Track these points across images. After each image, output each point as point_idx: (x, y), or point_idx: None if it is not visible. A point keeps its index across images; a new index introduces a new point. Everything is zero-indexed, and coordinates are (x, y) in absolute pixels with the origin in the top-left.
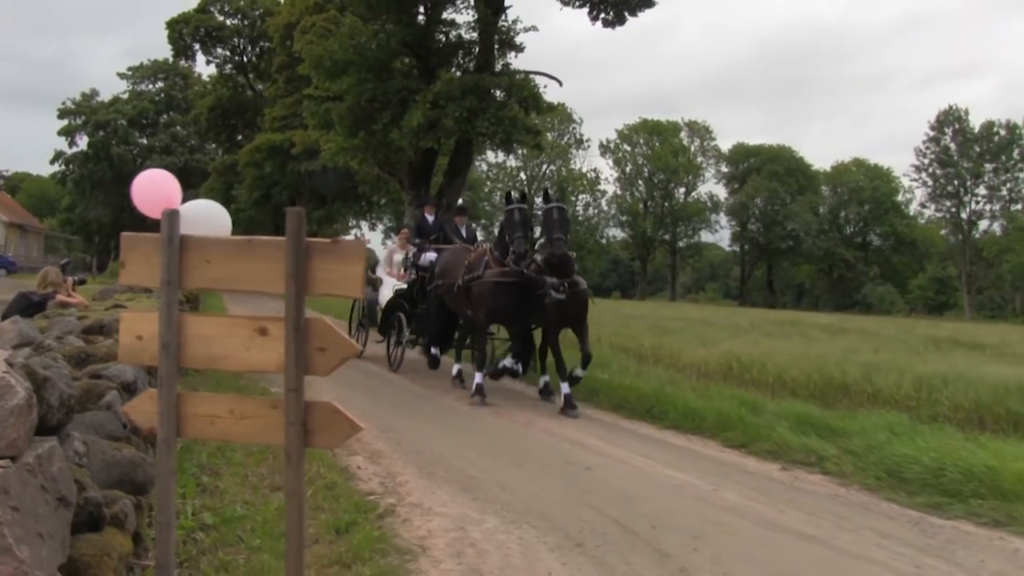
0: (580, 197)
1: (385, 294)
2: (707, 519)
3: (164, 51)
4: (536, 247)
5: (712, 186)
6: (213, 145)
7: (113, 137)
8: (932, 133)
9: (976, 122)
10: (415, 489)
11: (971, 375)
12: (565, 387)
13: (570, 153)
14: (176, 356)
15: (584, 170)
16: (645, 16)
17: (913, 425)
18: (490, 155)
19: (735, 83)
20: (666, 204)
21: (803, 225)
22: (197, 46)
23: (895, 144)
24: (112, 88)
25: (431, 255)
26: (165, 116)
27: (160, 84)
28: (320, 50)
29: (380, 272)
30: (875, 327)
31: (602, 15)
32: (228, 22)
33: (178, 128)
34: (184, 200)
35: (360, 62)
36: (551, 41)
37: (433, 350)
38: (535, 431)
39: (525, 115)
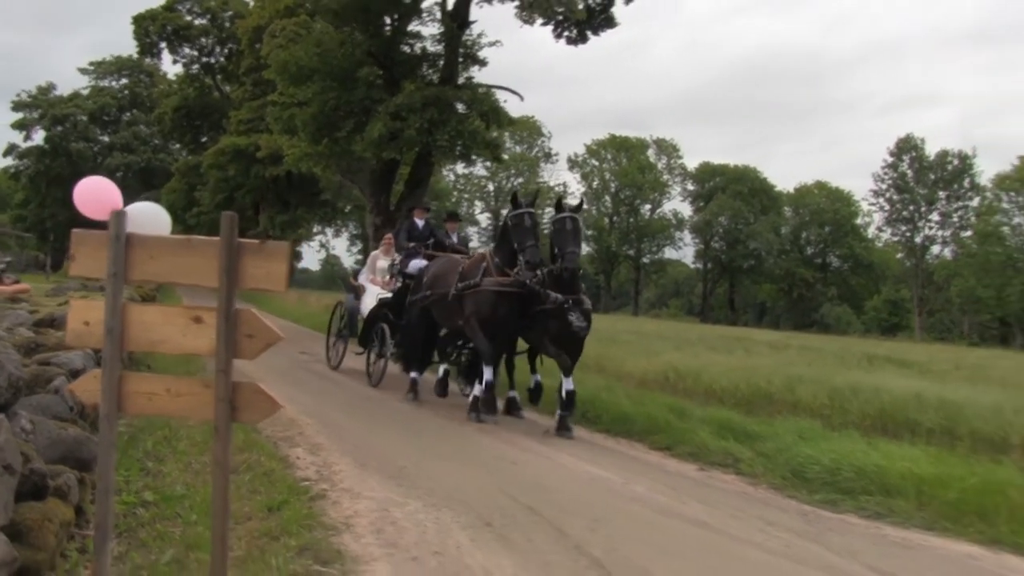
0: (546, 210)
1: (368, 303)
2: (611, 507)
3: (129, 48)
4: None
5: (677, 204)
6: (177, 145)
7: (72, 133)
8: (890, 159)
9: (932, 150)
10: (347, 477)
11: (882, 387)
12: (568, 387)
13: (538, 166)
14: (119, 340)
15: (552, 183)
16: (618, 34)
17: (822, 431)
18: (458, 165)
19: (705, 103)
20: (631, 220)
21: (765, 245)
22: (163, 44)
23: (858, 169)
24: (73, 84)
25: (420, 262)
26: (128, 114)
27: (124, 81)
28: (286, 56)
29: (363, 279)
30: (819, 344)
31: (565, 33)
32: (196, 22)
33: (141, 126)
34: (138, 199)
35: (325, 70)
36: (526, 53)
37: (413, 374)
38: (471, 429)
39: (486, 128)
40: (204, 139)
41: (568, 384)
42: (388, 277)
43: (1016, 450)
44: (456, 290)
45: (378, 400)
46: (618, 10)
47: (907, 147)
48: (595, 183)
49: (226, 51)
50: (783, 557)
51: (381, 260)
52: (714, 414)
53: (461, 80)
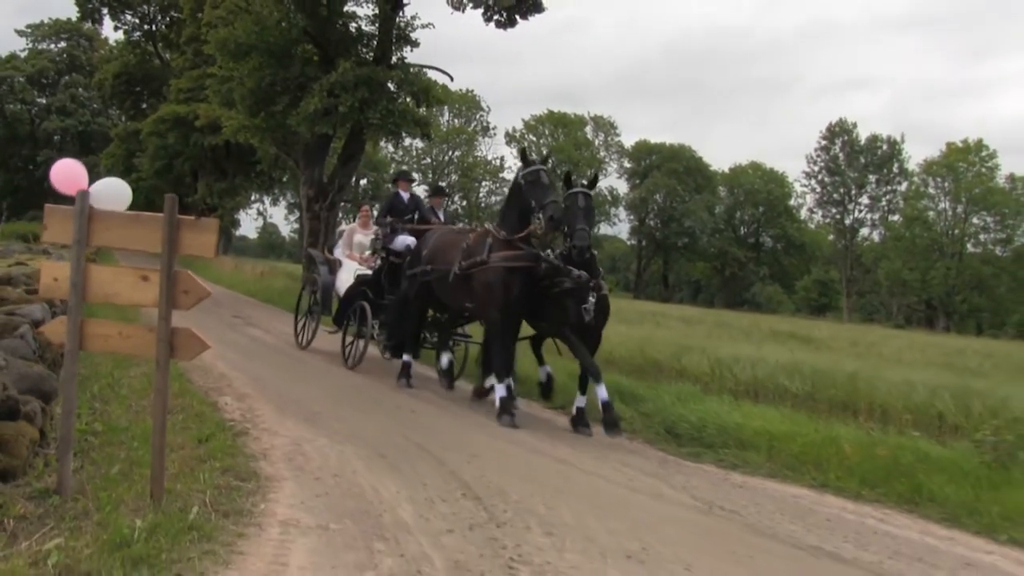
0: (483, 184)
1: (344, 279)
2: (489, 447)
3: (66, 10)
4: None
5: (614, 180)
6: (116, 111)
7: (8, 95)
8: (823, 142)
9: (863, 134)
10: (267, 419)
11: (762, 358)
12: (580, 400)
13: (476, 140)
14: (82, 292)
15: (489, 157)
16: (559, 11)
17: (699, 395)
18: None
19: (642, 81)
20: None
21: (699, 223)
22: (105, 10)
23: (791, 150)
24: (10, 46)
25: (408, 239)
26: (67, 77)
27: (63, 44)
28: (225, 33)
29: (338, 253)
30: (733, 321)
31: (495, 16)
32: None
33: (80, 90)
34: (89, 175)
35: (263, 47)
36: (466, 28)
37: (406, 357)
38: (384, 385)
39: (416, 107)
40: (144, 106)
41: (602, 393)
42: (369, 253)
43: (863, 412)
44: (460, 268)
45: (301, 359)
46: None
47: (839, 131)
48: (532, 158)
49: (168, 19)
50: (623, 487)
51: (359, 234)
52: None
53: (394, 60)
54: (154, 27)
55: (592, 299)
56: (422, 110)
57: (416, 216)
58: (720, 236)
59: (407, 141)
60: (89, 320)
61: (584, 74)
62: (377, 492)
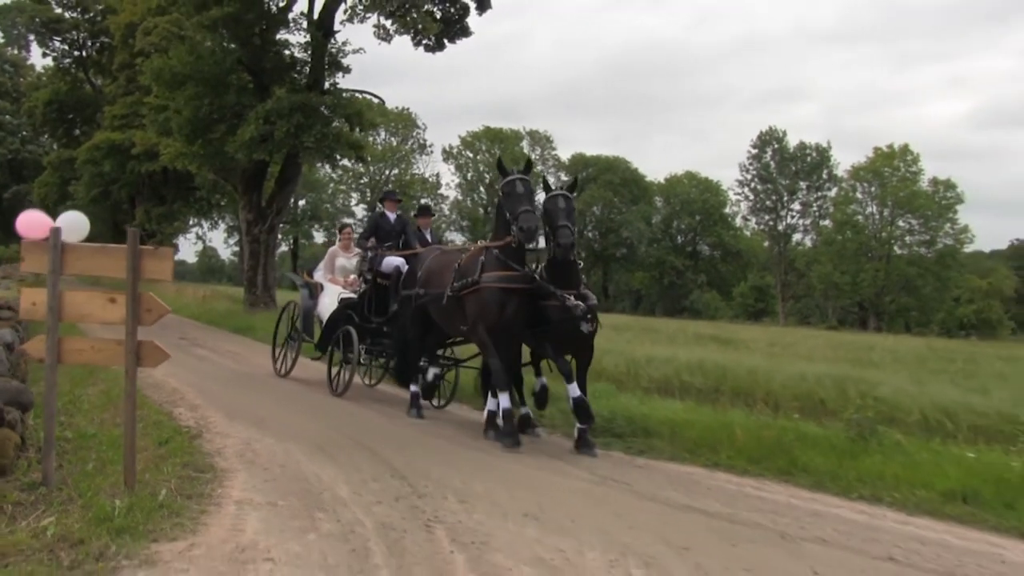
0: (421, 201)
1: (327, 303)
2: (418, 440)
3: None
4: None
5: None
6: (48, 138)
7: None
8: (754, 151)
9: (793, 143)
10: (219, 424)
11: (674, 358)
12: (580, 425)
13: (413, 158)
14: (58, 314)
15: (427, 175)
16: (493, 27)
17: (613, 392)
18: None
19: (578, 95)
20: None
21: (637, 234)
22: (32, 36)
23: (729, 159)
24: None
25: (395, 259)
26: None
27: None
28: (160, 63)
29: (320, 277)
30: (660, 327)
31: (424, 42)
32: (67, 15)
33: (8, 117)
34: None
35: (198, 76)
36: (401, 46)
37: (413, 387)
38: (322, 393)
39: (350, 131)
40: (77, 132)
41: (573, 390)
42: (357, 276)
43: (759, 401)
44: (452, 290)
45: (248, 374)
46: (472, 20)
47: (769, 139)
48: (470, 174)
49: (98, 44)
50: (532, 468)
51: (341, 257)
52: (530, 381)
53: (327, 85)
54: (84, 53)
55: (589, 325)
56: (357, 132)
57: (402, 241)
58: (658, 246)
59: (344, 161)
60: (65, 337)
61: (522, 89)
62: (318, 477)
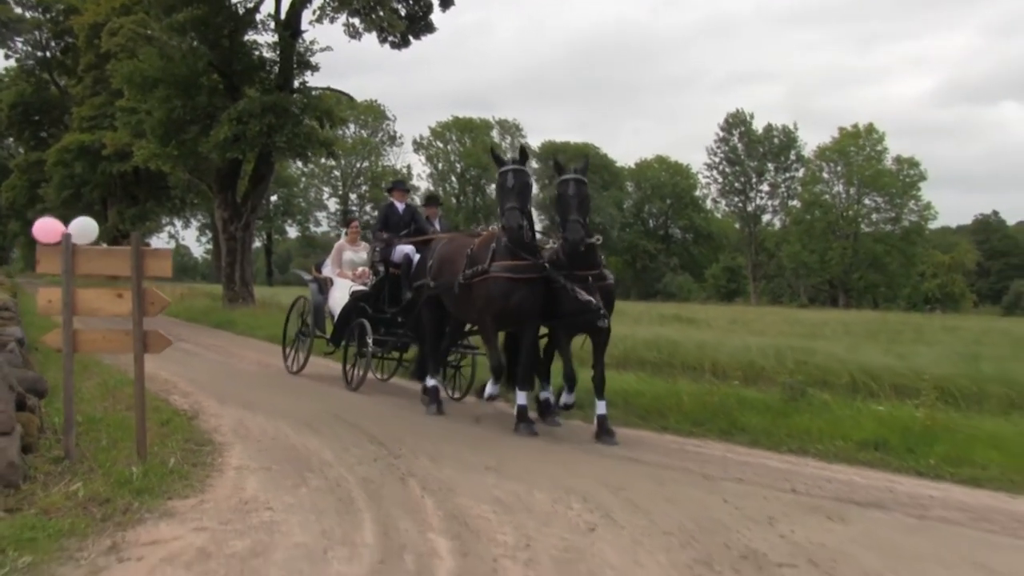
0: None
1: (337, 297)
2: (395, 414)
3: None
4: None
5: None
6: (14, 141)
7: None
8: (722, 134)
9: (760, 125)
10: (212, 407)
11: (631, 335)
12: (601, 406)
13: (384, 150)
14: (71, 309)
15: (398, 166)
16: (460, 16)
17: (579, 370)
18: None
19: (546, 82)
20: (478, 199)
21: (608, 219)
22: None
23: (699, 142)
24: None
25: (406, 248)
26: None
27: None
28: (131, 66)
29: (328, 271)
30: (626, 309)
31: (390, 38)
32: (28, 14)
33: None
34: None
35: (169, 79)
36: (371, 41)
37: (430, 381)
38: (306, 379)
39: (320, 128)
40: (44, 134)
41: (567, 397)
42: (362, 269)
43: (707, 372)
44: (463, 278)
45: (235, 364)
46: (436, 16)
47: (737, 122)
48: (440, 164)
49: (62, 44)
50: (496, 434)
51: (348, 251)
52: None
53: (297, 84)
54: (48, 54)
55: (603, 322)
56: (327, 130)
57: (412, 229)
58: (630, 230)
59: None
60: (80, 329)
61: (490, 77)
62: (306, 446)
